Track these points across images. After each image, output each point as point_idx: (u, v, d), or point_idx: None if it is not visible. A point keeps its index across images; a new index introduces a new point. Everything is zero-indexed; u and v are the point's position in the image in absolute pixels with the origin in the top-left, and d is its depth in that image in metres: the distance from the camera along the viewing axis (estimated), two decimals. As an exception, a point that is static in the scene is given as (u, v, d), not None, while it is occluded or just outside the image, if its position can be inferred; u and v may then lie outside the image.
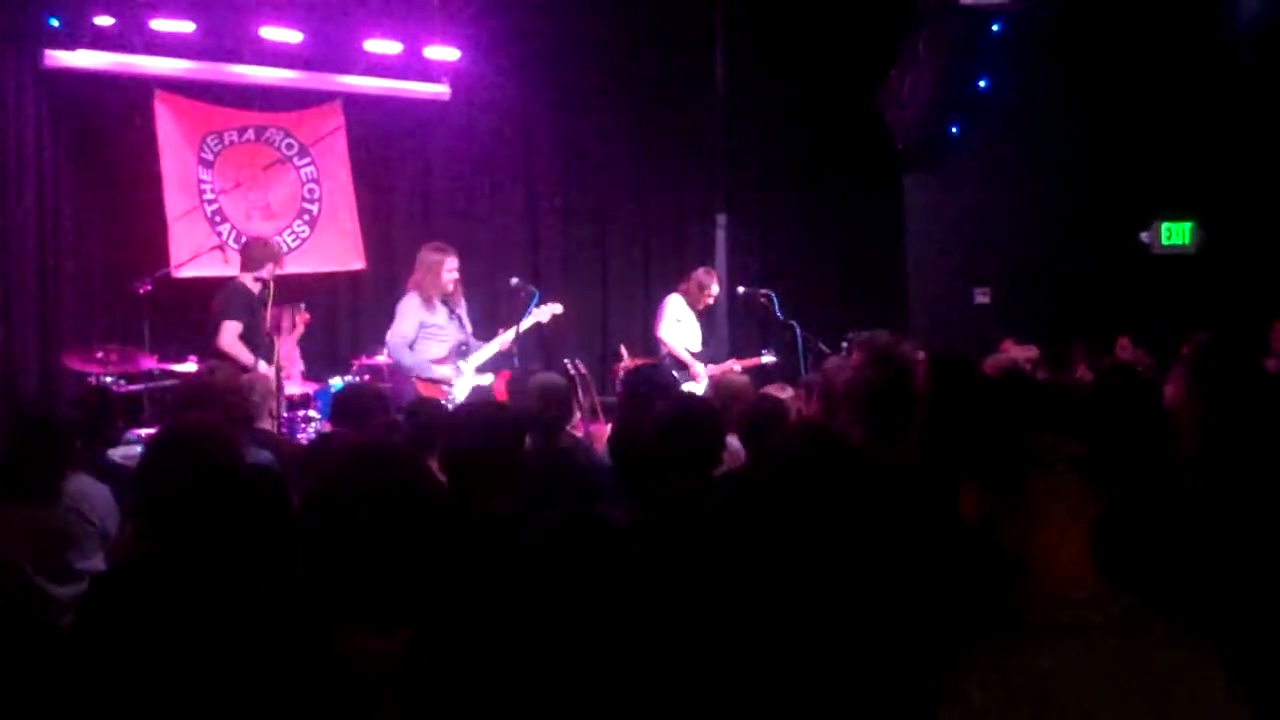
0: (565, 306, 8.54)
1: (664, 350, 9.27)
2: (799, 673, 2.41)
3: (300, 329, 8.70)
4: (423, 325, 7.82)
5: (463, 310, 8.09)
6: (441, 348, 7.87)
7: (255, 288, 7.61)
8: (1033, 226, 11.41)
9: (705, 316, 9.57)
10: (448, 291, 7.94)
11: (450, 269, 7.95)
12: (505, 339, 8.07)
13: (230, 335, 7.36)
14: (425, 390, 7.61)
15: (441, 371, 7.81)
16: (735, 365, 9.21)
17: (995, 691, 1.86)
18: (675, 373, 8.49)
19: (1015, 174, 11.53)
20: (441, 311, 7.92)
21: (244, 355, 7.33)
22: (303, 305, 8.78)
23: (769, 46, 11.22)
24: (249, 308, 7.51)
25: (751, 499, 2.74)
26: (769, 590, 2.61)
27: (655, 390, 5.49)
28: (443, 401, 7.16)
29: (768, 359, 9.48)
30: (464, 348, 7.97)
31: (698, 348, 9.35)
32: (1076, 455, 1.94)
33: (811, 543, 2.64)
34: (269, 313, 7.75)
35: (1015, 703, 1.85)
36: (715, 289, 9.50)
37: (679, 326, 9.27)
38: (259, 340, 7.37)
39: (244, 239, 9.37)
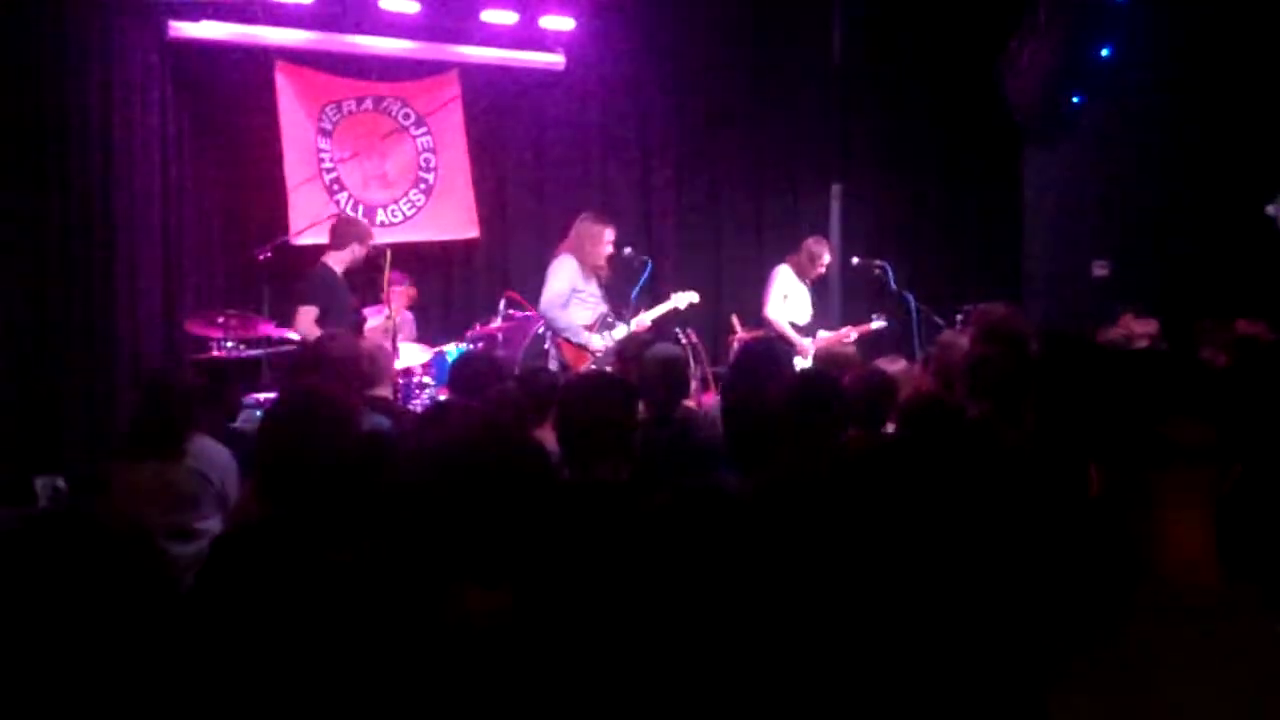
0: (678, 276, 8.55)
1: (771, 329, 9.14)
2: (913, 650, 2.38)
3: (405, 300, 8.82)
4: (575, 290, 7.84)
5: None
6: (589, 315, 7.88)
7: (339, 268, 7.67)
8: (1154, 199, 11.13)
9: (817, 286, 9.47)
10: (601, 262, 7.96)
11: (609, 240, 7.98)
12: (645, 319, 8.08)
13: (305, 320, 7.42)
14: (571, 354, 7.69)
15: (592, 339, 7.82)
16: (850, 333, 9.11)
17: (1108, 678, 1.83)
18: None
19: (1136, 145, 11.25)
20: (593, 280, 7.94)
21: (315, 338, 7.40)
22: (408, 281, 8.91)
23: (886, 15, 11.07)
24: (328, 290, 7.57)
25: (866, 474, 2.71)
26: (883, 567, 2.59)
27: (769, 367, 5.48)
28: (553, 370, 7.20)
29: (878, 324, 9.31)
30: (609, 319, 7.97)
31: (807, 319, 9.23)
32: (1210, 442, 1.89)
33: (925, 520, 2.60)
34: (386, 279, 7.86)
35: (1128, 690, 1.81)
36: (827, 258, 9.38)
37: (785, 303, 9.16)
38: (344, 320, 7.40)
39: (360, 208, 9.52)
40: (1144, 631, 1.86)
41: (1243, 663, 1.82)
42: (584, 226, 8.00)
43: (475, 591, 2.37)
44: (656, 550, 2.43)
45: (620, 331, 7.89)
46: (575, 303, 7.84)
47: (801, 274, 9.26)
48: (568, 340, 7.80)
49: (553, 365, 7.67)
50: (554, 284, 7.84)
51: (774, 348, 7.26)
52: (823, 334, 9.18)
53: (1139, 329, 7.84)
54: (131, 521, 2.15)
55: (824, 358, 7.01)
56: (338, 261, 7.70)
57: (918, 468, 2.73)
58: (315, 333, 7.36)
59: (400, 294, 8.71)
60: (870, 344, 8.67)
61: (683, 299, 8.34)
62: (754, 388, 4.52)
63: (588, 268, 7.90)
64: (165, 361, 8.41)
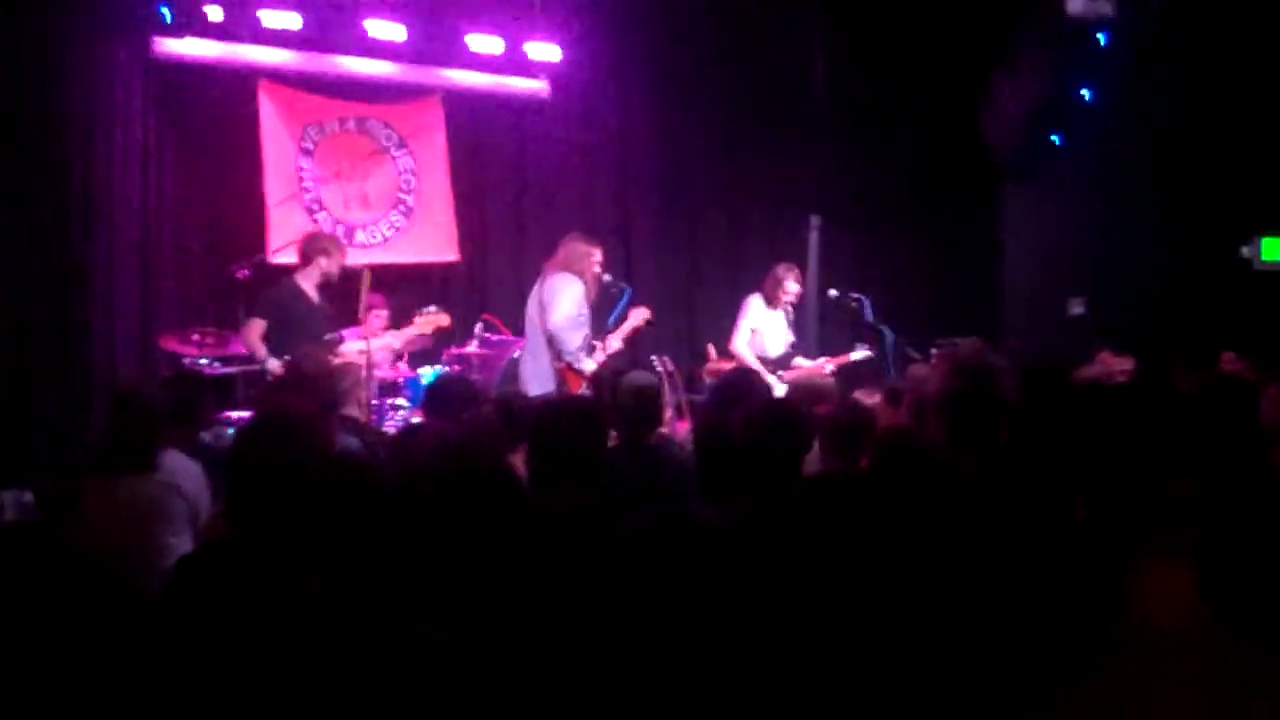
0: (655, 304, 8.52)
1: (736, 363, 8.97)
2: (885, 681, 2.39)
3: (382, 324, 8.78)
4: (579, 313, 7.76)
5: None
6: (579, 339, 7.76)
7: (309, 284, 7.63)
8: (1131, 238, 11.19)
9: (793, 315, 9.40)
10: (592, 282, 7.91)
11: (598, 260, 7.95)
12: (614, 343, 8.03)
13: (250, 332, 7.44)
14: (572, 381, 7.58)
15: (588, 364, 7.67)
16: (827, 365, 9.08)
17: (1087, 713, 1.83)
18: None
19: (1115, 186, 11.32)
20: (586, 304, 7.84)
21: (259, 350, 7.39)
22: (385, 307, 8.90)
23: (869, 49, 11.14)
24: (285, 306, 7.53)
25: (838, 506, 2.72)
26: (853, 599, 2.59)
27: (746, 398, 5.48)
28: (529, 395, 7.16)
29: (860, 354, 9.26)
30: (593, 345, 7.88)
31: (779, 351, 9.17)
32: (1202, 499, 1.90)
33: (894, 552, 2.61)
34: (362, 301, 7.86)
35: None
36: (793, 286, 9.25)
37: (755, 335, 9.11)
38: (310, 338, 7.23)
39: (339, 228, 9.51)
40: (1121, 666, 1.87)
41: (1221, 698, 1.83)
42: (577, 246, 7.92)
43: (426, 622, 2.37)
44: (620, 575, 2.43)
45: (598, 357, 7.83)
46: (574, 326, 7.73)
47: (771, 302, 9.21)
48: (570, 366, 7.65)
49: (535, 390, 7.54)
50: (564, 305, 7.67)
51: (753, 379, 7.22)
52: (801, 362, 9.17)
53: (1116, 366, 7.85)
54: (94, 539, 2.15)
55: (802, 387, 6.99)
56: (306, 278, 7.65)
57: (886, 501, 2.74)
58: (258, 345, 7.36)
59: (378, 318, 8.69)
60: (849, 377, 8.65)
61: (637, 317, 8.23)
62: (725, 418, 4.53)
63: (588, 292, 7.84)
64: (137, 377, 8.35)
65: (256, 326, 7.43)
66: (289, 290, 7.61)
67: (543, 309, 7.79)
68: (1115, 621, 1.93)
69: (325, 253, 7.72)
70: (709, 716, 2.27)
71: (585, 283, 7.82)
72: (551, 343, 7.71)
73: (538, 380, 7.71)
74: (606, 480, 3.93)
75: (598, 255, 7.95)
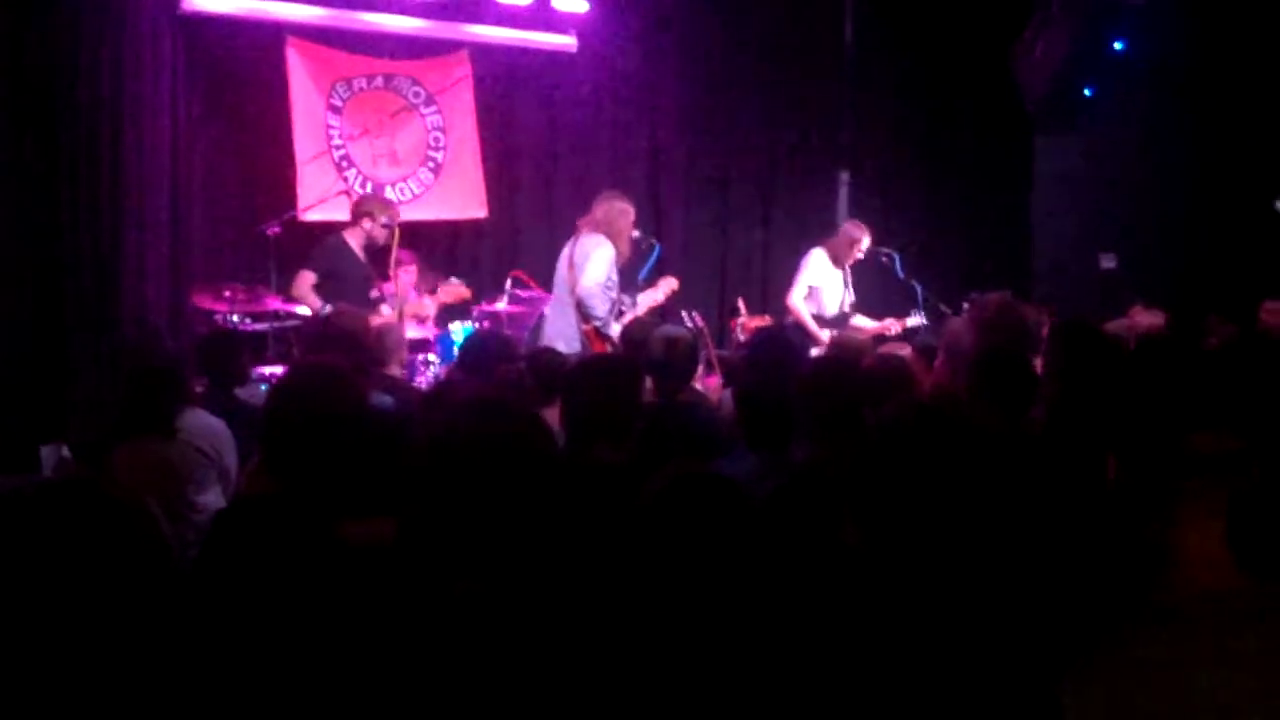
0: (684, 258, 8.49)
1: (790, 318, 8.99)
2: (920, 647, 2.38)
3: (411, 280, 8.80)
4: (608, 278, 7.68)
5: None
6: (607, 304, 7.68)
7: (356, 243, 7.84)
8: (1163, 192, 11.12)
9: (851, 273, 9.25)
10: (629, 242, 7.85)
11: (633, 217, 7.90)
12: (640, 310, 7.95)
13: (301, 284, 7.66)
14: (597, 344, 7.54)
15: (615, 329, 7.57)
16: (894, 325, 8.96)
17: (1125, 679, 1.82)
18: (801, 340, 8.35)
19: (1147, 138, 11.23)
20: (616, 268, 7.77)
21: (312, 302, 7.58)
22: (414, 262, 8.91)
23: (898, 3, 11.05)
24: (333, 260, 7.75)
25: (875, 466, 2.70)
26: (889, 563, 2.59)
27: (786, 354, 5.48)
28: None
29: (915, 320, 9.08)
30: (621, 310, 7.83)
31: (835, 310, 9.05)
32: (1232, 452, 1.88)
33: (931, 514, 2.60)
34: (392, 256, 7.91)
35: (1146, 692, 1.80)
36: (866, 243, 9.10)
37: (813, 292, 8.99)
38: (354, 295, 7.48)
39: (369, 185, 9.53)
40: (1160, 629, 1.86)
41: (1260, 663, 1.82)
42: (611, 205, 7.85)
43: (461, 577, 2.38)
44: (650, 534, 2.44)
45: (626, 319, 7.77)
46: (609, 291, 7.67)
47: (837, 260, 9.06)
48: (598, 330, 7.58)
49: (561, 348, 7.52)
50: (596, 270, 7.58)
51: (788, 337, 7.13)
52: (863, 321, 9.06)
53: (1146, 321, 7.79)
54: (134, 492, 2.16)
55: (839, 344, 6.95)
56: (353, 236, 7.89)
57: (919, 464, 2.72)
58: (310, 297, 7.47)
59: (407, 273, 8.70)
60: (905, 337, 8.52)
61: (665, 286, 8.15)
62: (772, 373, 4.55)
63: (620, 254, 7.76)
64: (150, 336, 8.35)
65: (306, 278, 7.64)
66: (336, 246, 7.83)
67: (573, 268, 7.75)
68: (1153, 585, 1.92)
69: (370, 215, 7.90)
70: (745, 675, 2.28)
71: (619, 244, 7.75)
72: (579, 305, 7.67)
73: (564, 339, 7.63)
74: (641, 436, 3.93)
75: (632, 213, 7.90)
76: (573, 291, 7.71)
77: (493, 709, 2.18)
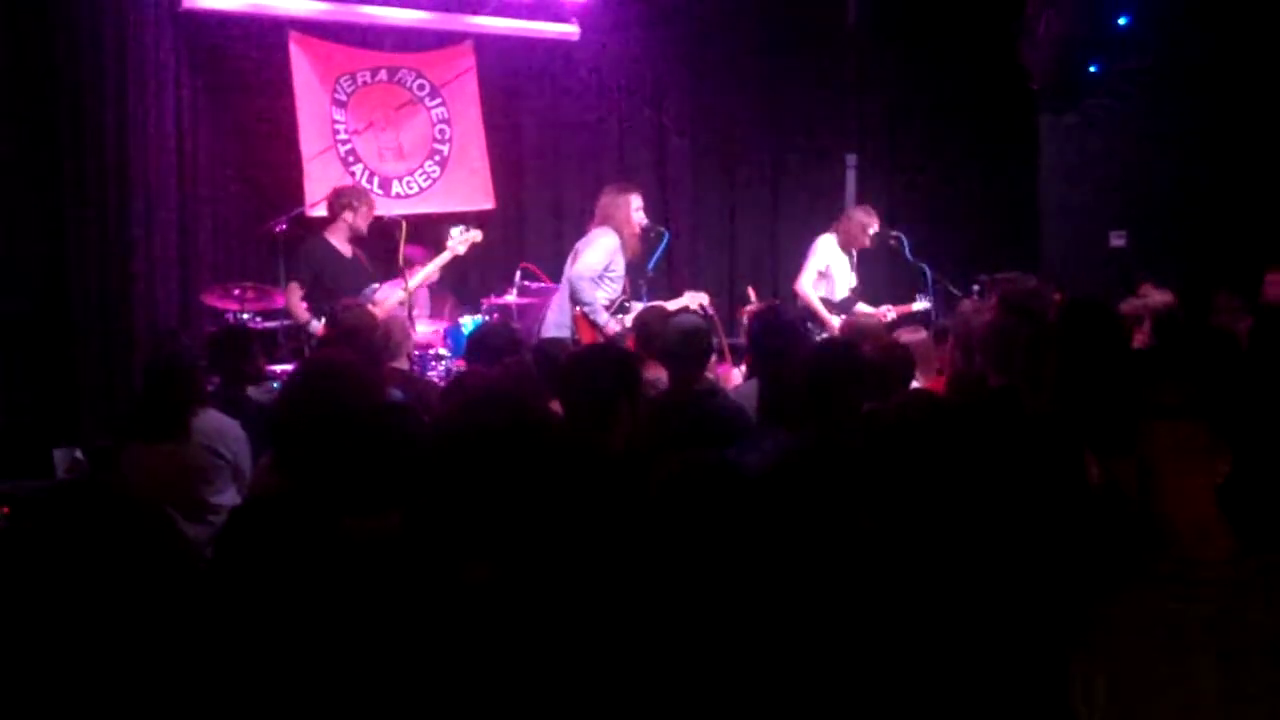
0: (692, 245, 8.45)
1: (800, 303, 8.94)
2: (933, 622, 2.38)
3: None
4: (607, 268, 7.65)
5: None
6: (607, 296, 7.65)
7: (339, 240, 7.76)
8: (1171, 170, 11.05)
9: (860, 258, 9.21)
10: (638, 232, 7.82)
11: (638, 206, 7.85)
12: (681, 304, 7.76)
13: (290, 297, 7.61)
14: (584, 329, 7.52)
15: (609, 320, 7.52)
16: (890, 312, 8.90)
17: (1129, 644, 1.83)
18: (809, 324, 8.32)
19: (1154, 115, 11.17)
20: (622, 259, 7.75)
21: (299, 315, 7.55)
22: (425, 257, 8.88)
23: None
24: (317, 264, 7.67)
25: (888, 451, 2.70)
26: (901, 541, 2.58)
27: (786, 337, 5.47)
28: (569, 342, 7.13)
29: (921, 305, 9.01)
30: (626, 304, 7.76)
31: (844, 295, 9.01)
32: (1196, 403, 1.89)
33: (948, 492, 2.60)
34: (401, 253, 7.88)
35: (1148, 656, 1.81)
36: (875, 228, 9.06)
37: (822, 277, 8.95)
38: (348, 293, 7.30)
39: (375, 178, 9.53)
40: (1160, 599, 1.87)
41: (1255, 632, 1.83)
42: (608, 198, 7.85)
43: (471, 563, 2.38)
44: (657, 522, 2.44)
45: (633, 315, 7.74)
46: (604, 280, 7.65)
47: (847, 245, 9.03)
48: (586, 315, 7.57)
49: (552, 334, 7.50)
50: (590, 256, 7.60)
51: (786, 318, 7.10)
52: (862, 307, 9.01)
53: (1156, 299, 7.77)
54: (147, 496, 2.16)
55: (847, 328, 6.93)
56: (335, 234, 7.79)
57: (950, 436, 2.72)
58: (298, 309, 7.44)
59: (418, 270, 8.69)
60: (909, 320, 8.47)
61: (694, 300, 7.93)
62: (776, 361, 4.55)
63: (626, 245, 7.74)
64: (169, 340, 8.35)
65: (294, 291, 7.59)
66: (318, 248, 7.73)
67: (576, 258, 7.78)
68: (1149, 552, 1.93)
69: (350, 207, 7.81)
70: (753, 657, 2.28)
71: (623, 234, 7.74)
72: (570, 290, 7.68)
73: (555, 326, 7.71)
74: (654, 424, 3.94)
75: (636, 201, 7.85)
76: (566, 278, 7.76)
77: (504, 696, 2.19)
